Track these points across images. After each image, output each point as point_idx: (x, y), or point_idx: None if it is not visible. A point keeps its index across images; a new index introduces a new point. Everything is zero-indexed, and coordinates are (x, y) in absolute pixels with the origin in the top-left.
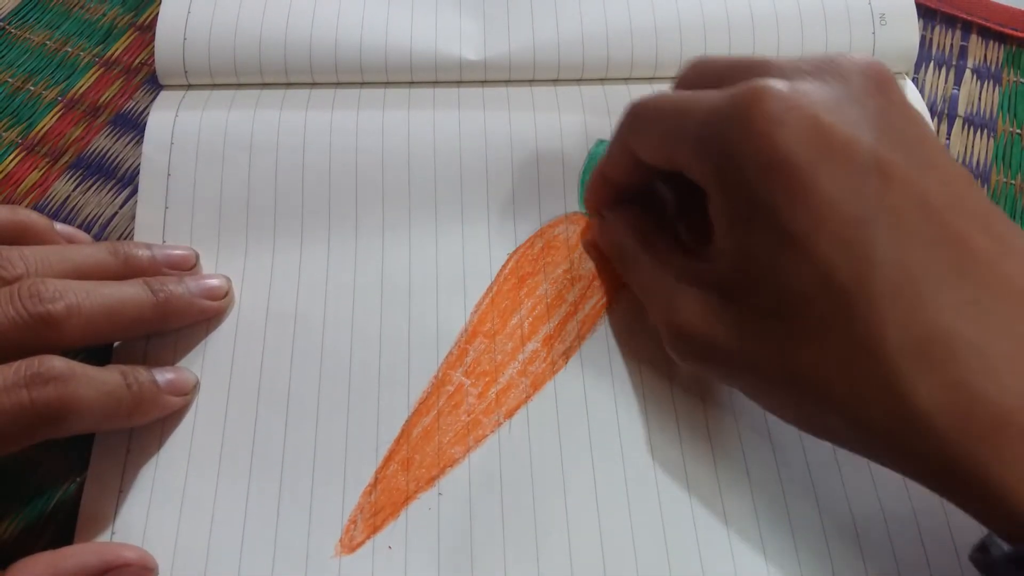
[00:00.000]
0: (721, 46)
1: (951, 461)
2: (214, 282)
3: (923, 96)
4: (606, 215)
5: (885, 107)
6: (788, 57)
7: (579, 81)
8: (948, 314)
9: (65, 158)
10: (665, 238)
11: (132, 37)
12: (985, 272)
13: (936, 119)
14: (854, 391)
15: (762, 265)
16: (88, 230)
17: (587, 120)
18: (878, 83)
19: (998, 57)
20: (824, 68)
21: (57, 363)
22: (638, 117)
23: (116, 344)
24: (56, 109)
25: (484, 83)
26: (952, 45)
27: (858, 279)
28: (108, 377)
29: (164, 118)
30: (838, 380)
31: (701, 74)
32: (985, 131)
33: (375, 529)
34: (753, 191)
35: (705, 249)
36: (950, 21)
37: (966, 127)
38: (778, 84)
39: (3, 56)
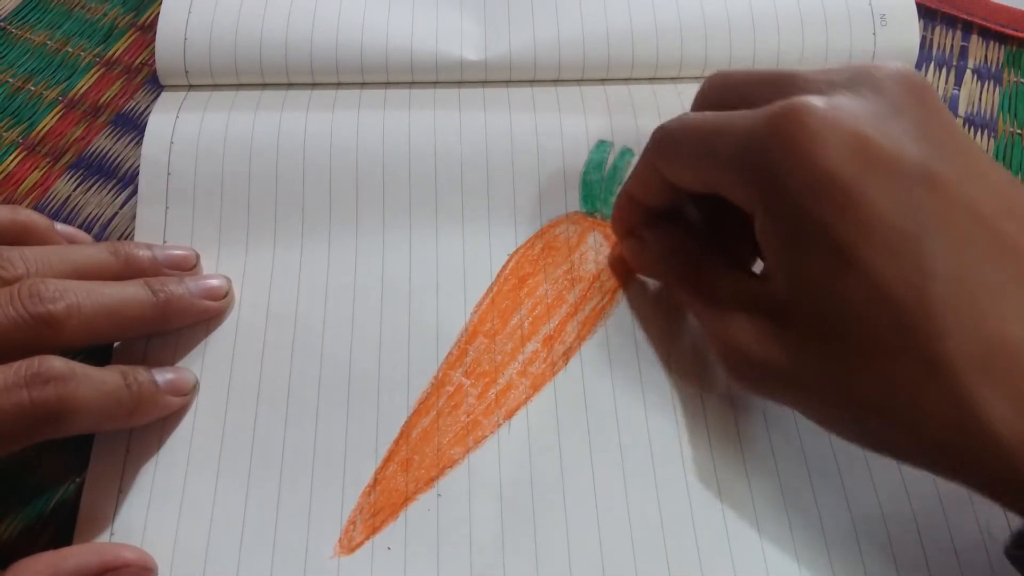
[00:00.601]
0: (722, 46)
1: (1018, 472)
2: (214, 282)
3: None
4: (645, 235)
5: (924, 117)
6: (815, 68)
7: (580, 82)
8: (1010, 324)
9: (66, 158)
10: (710, 257)
11: (133, 37)
12: None
13: None
14: (919, 407)
15: (816, 286)
16: (89, 230)
17: (588, 121)
18: (914, 92)
19: (998, 57)
20: (857, 80)
21: (57, 363)
22: (667, 141)
23: (116, 344)
24: (57, 109)
25: (485, 83)
26: (952, 45)
27: (915, 293)
28: (108, 377)
29: (165, 119)
30: (901, 397)
31: (723, 90)
32: (986, 131)
33: (374, 530)
34: (801, 212)
35: (746, 265)
36: (950, 21)
37: (967, 127)
38: (816, 101)
39: (4, 56)
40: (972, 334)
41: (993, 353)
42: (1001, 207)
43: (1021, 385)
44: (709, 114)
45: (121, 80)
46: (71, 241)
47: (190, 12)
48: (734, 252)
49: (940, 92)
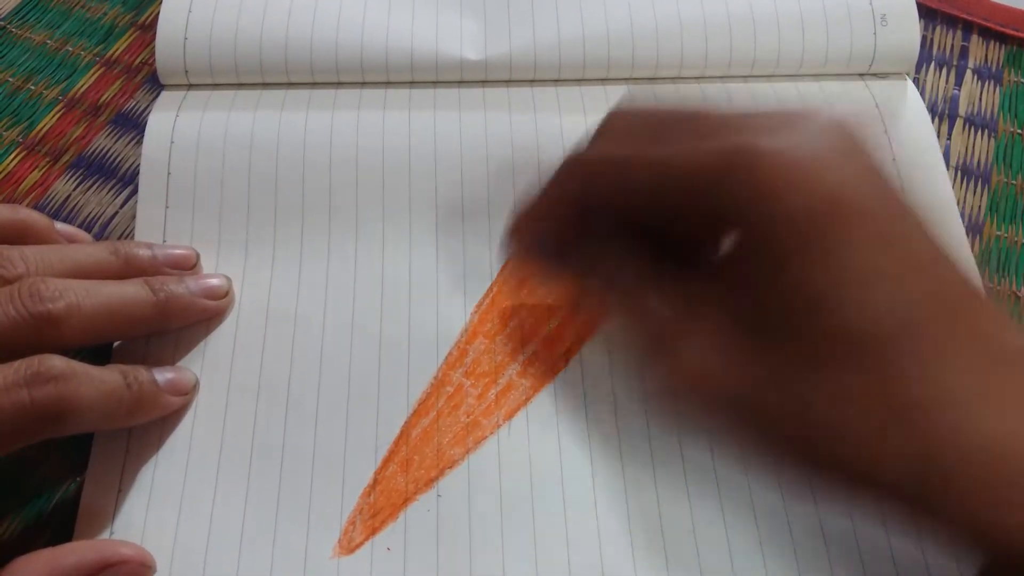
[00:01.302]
0: (722, 46)
1: (972, 516)
2: (214, 282)
3: (924, 97)
4: (566, 253)
5: (869, 165)
6: (747, 112)
7: (580, 81)
8: (959, 373)
9: (66, 157)
10: (642, 279)
11: (133, 36)
12: (989, 338)
13: (937, 119)
14: (884, 450)
15: (778, 323)
16: (89, 229)
17: (588, 121)
18: (854, 141)
19: (999, 57)
20: (794, 124)
21: (57, 362)
22: (594, 174)
23: (116, 344)
24: (57, 108)
25: (485, 83)
26: (953, 45)
27: (876, 336)
28: (108, 376)
29: (164, 118)
30: (869, 438)
31: (636, 124)
32: (986, 131)
33: (374, 530)
34: (765, 251)
35: (684, 285)
36: (951, 21)
37: (967, 127)
38: (773, 143)
39: (4, 55)
40: (927, 379)
41: (946, 398)
42: (938, 255)
43: (973, 426)
44: (638, 148)
45: (121, 79)
46: (71, 240)
47: (190, 11)
48: (659, 272)
49: (940, 92)
